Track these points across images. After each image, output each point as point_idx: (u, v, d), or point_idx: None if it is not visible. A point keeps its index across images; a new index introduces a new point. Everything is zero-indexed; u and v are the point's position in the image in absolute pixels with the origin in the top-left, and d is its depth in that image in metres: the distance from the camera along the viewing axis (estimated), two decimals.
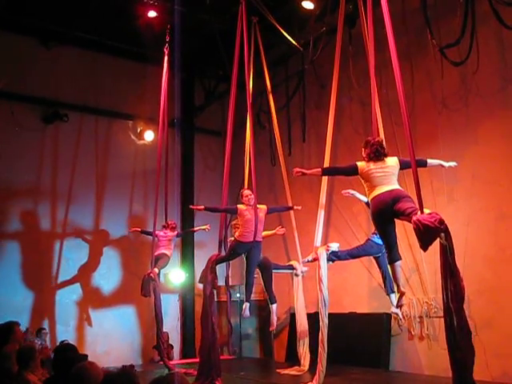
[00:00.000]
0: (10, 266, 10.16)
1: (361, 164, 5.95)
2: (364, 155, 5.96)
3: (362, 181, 5.98)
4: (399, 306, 6.60)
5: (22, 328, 8.65)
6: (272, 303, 8.64)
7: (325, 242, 8.05)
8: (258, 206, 7.90)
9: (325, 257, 7.05)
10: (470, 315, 7.59)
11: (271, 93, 9.66)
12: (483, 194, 7.73)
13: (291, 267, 8.83)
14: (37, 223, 10.69)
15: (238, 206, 7.92)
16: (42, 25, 10.29)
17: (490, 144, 7.75)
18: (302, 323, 8.70)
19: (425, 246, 4.92)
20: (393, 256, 6.02)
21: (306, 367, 8.33)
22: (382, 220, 5.75)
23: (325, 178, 7.50)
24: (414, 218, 5.00)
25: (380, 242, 7.06)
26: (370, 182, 5.82)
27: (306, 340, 8.60)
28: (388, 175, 5.77)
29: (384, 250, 7.20)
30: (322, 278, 6.90)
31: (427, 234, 4.86)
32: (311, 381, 6.83)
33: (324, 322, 6.80)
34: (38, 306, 10.34)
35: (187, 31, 9.64)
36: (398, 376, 8.22)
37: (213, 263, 7.94)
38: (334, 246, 7.23)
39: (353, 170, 6.02)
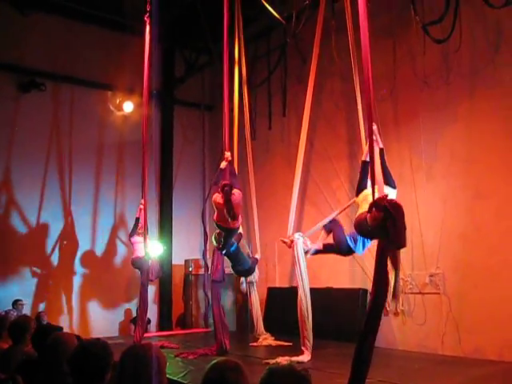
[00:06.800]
0: None
1: None
2: None
3: None
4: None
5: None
6: None
7: (300, 219, 8.04)
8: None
9: (301, 245, 7.27)
10: (445, 292, 7.76)
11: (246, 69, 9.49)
12: (461, 172, 7.77)
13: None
14: (10, 196, 10.52)
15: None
16: None
17: (470, 123, 7.75)
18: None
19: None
20: None
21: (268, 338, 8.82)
22: None
23: (300, 160, 7.53)
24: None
25: (352, 244, 6.66)
26: None
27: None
28: None
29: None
30: (301, 267, 7.21)
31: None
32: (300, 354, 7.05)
33: (308, 312, 7.08)
34: (13, 279, 10.28)
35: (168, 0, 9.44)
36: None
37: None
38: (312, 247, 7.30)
39: None
